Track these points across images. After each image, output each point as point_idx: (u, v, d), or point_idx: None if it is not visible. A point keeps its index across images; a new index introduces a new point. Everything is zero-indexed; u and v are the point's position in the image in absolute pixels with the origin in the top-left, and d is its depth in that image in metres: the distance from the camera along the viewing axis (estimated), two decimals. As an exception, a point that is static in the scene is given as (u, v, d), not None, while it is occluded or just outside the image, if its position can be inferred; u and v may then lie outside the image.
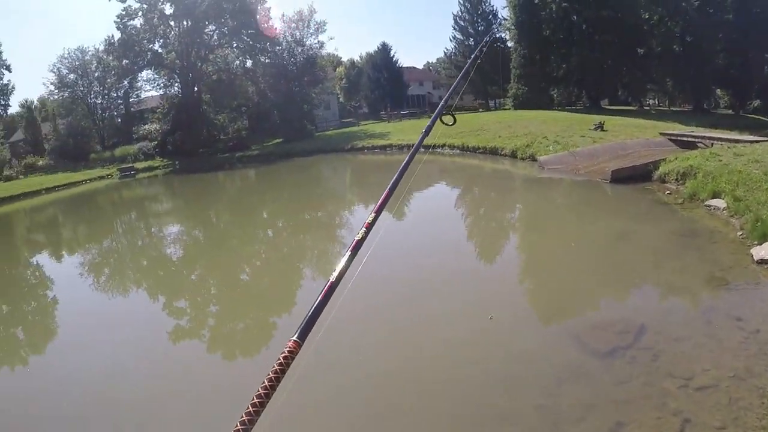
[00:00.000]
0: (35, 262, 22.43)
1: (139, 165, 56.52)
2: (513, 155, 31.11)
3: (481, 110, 74.14)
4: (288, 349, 1.38)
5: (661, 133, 31.44)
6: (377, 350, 9.14)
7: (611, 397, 6.90)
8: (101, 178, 53.28)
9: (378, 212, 1.91)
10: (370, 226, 1.88)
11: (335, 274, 1.61)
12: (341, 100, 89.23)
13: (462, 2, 78.77)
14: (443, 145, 39.14)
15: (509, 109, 65.64)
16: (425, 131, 2.42)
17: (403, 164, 2.21)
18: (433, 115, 2.51)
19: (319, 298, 1.52)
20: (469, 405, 7.11)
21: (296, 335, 1.43)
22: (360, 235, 1.78)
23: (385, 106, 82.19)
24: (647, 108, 70.00)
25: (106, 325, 12.53)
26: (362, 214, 23.43)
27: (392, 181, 2.12)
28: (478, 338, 9.07)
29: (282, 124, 60.59)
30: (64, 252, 23.97)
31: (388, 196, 2.03)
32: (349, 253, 1.71)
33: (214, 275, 16.32)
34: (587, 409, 6.71)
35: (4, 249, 26.40)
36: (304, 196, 29.83)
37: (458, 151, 37.19)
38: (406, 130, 50.91)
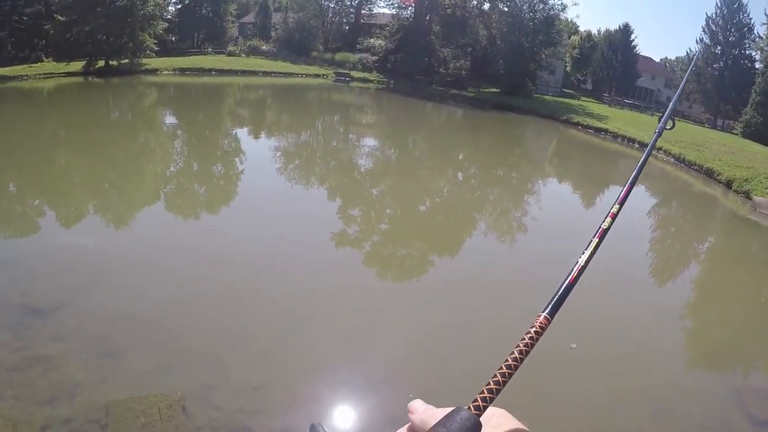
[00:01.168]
0: (234, 134, 23.56)
1: (355, 74, 57.86)
2: (727, 184, 28.43)
3: (706, 125, 69.23)
4: (539, 323, 1.19)
5: None
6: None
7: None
8: (317, 76, 55.03)
9: (621, 203, 1.53)
10: (614, 216, 1.50)
11: (584, 257, 1.49)
12: (567, 69, 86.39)
13: (719, 5, 70.63)
14: (659, 149, 36.75)
15: (737, 134, 60.25)
16: (658, 132, 2.09)
17: (641, 161, 1.86)
18: (663, 117, 2.10)
19: (568, 280, 1.40)
20: (617, 421, 6.94)
21: (547, 311, 1.08)
22: (606, 225, 1.50)
23: (610, 89, 78.81)
24: None
25: (278, 210, 12.87)
26: (555, 186, 22.90)
27: (633, 174, 1.77)
28: (640, 363, 8.58)
29: (504, 75, 58.98)
30: (262, 132, 24.97)
31: (630, 189, 1.66)
32: (596, 239, 1.35)
33: (394, 197, 16.37)
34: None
35: (211, 116, 28.03)
36: (504, 152, 29.34)
37: (673, 159, 34.72)
38: (626, 120, 48.39)
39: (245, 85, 44.89)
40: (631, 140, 39.48)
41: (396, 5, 64.01)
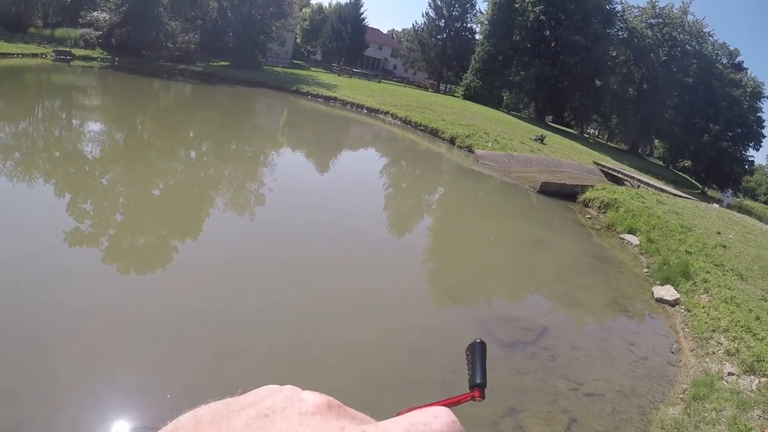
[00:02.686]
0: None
1: (78, 52, 53.42)
2: (451, 141, 31.50)
3: (430, 90, 74.53)
4: None
5: (595, 162, 32.52)
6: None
7: (508, 384, 7.33)
8: (34, 55, 50.02)
9: None
10: None
11: None
12: (298, 40, 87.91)
13: (446, -18, 78.21)
14: (386, 113, 39.02)
15: (458, 97, 66.45)
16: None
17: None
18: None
19: None
20: (380, 368, 7.32)
21: None
22: None
23: (339, 59, 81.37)
24: (587, 136, 73.87)
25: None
26: (289, 156, 23.36)
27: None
28: (393, 311, 9.23)
29: (234, 48, 58.68)
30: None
31: None
32: None
33: (125, 183, 15.71)
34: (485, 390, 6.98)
35: None
36: (236, 126, 29.23)
37: (399, 122, 37.16)
38: (354, 88, 50.47)
39: (-52, 70, 40.26)
40: (360, 106, 41.75)
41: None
